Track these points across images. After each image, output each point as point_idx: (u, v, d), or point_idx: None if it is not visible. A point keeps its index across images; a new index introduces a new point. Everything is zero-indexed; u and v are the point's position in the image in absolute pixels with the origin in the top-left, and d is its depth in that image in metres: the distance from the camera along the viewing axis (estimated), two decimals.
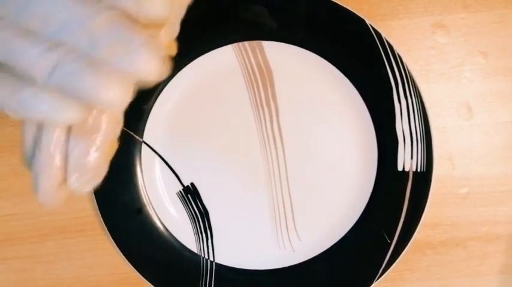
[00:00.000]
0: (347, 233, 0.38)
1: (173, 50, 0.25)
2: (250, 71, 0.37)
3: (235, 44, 0.37)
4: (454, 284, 0.40)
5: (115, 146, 0.24)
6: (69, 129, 0.22)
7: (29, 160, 0.23)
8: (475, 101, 0.38)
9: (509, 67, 0.38)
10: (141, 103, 0.37)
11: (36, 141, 0.23)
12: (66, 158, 0.22)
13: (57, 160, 0.22)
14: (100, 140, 0.23)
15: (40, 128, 0.23)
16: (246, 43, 0.37)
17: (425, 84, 0.38)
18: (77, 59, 0.18)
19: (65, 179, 0.23)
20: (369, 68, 0.36)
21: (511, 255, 0.39)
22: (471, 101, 0.38)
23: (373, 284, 0.38)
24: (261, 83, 0.37)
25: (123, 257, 0.38)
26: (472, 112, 0.38)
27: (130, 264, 0.38)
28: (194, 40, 0.36)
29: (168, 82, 0.38)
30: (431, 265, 0.39)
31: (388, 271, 0.37)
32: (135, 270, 0.38)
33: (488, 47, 0.38)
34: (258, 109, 0.38)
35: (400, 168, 0.37)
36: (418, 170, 0.36)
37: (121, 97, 0.19)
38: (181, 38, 0.27)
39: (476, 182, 0.39)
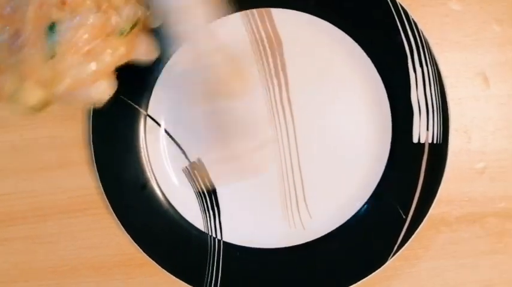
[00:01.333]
0: (360, 209, 0.37)
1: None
2: (259, 40, 0.36)
3: (243, 12, 0.36)
4: (470, 263, 0.38)
5: None
6: None
7: None
8: (491, 71, 0.37)
9: None
10: (146, 75, 0.36)
11: None
12: None
13: None
14: None
15: None
16: (254, 10, 0.36)
17: (439, 54, 0.36)
18: None
19: None
20: (383, 35, 0.35)
21: None
22: (487, 71, 0.37)
23: (387, 263, 0.36)
24: (270, 53, 0.36)
25: (128, 236, 0.37)
26: (488, 83, 0.37)
27: (135, 243, 0.37)
28: None
29: (173, 53, 0.36)
30: (447, 242, 0.38)
31: (403, 248, 0.36)
32: (141, 249, 0.37)
33: (504, 15, 0.37)
34: (267, 80, 0.36)
35: (415, 140, 0.35)
36: (434, 141, 0.35)
37: None
38: None
39: (493, 156, 0.37)
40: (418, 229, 0.36)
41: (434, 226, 0.38)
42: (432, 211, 0.36)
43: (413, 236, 0.36)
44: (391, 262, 0.36)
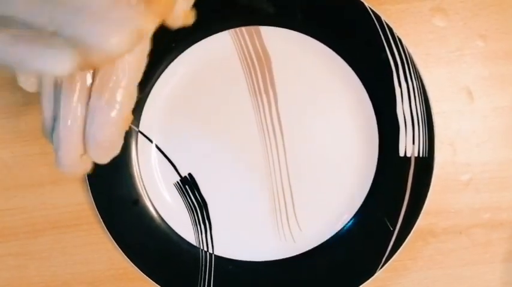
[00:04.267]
0: (349, 221, 0.38)
1: (190, 20, 0.25)
2: (248, 58, 0.37)
3: (232, 30, 0.36)
4: (457, 273, 0.39)
5: (130, 118, 0.24)
6: (87, 104, 0.23)
7: (49, 134, 0.24)
8: (475, 85, 0.38)
9: (509, 50, 0.37)
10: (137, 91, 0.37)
11: (55, 114, 0.23)
12: (84, 132, 0.23)
13: (76, 134, 0.23)
14: (116, 113, 0.23)
15: (58, 101, 0.23)
16: (243, 29, 0.36)
17: (424, 69, 0.37)
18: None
19: (84, 151, 0.24)
20: (369, 51, 0.35)
21: None
22: (471, 85, 0.38)
23: (376, 274, 0.37)
24: (259, 70, 0.37)
25: (120, 251, 0.37)
26: (472, 97, 0.38)
27: (127, 258, 0.37)
28: (190, 26, 0.35)
29: (164, 70, 0.37)
30: (434, 253, 0.39)
31: (391, 260, 0.37)
32: (133, 264, 0.37)
33: (488, 30, 0.37)
34: (256, 96, 0.37)
35: (401, 153, 0.36)
36: (420, 155, 0.36)
37: (121, 44, 0.19)
38: None
39: (478, 168, 0.38)
40: (405, 241, 0.36)
41: (422, 238, 0.39)
42: (419, 222, 0.36)
43: (401, 248, 0.36)
44: (380, 273, 0.37)
